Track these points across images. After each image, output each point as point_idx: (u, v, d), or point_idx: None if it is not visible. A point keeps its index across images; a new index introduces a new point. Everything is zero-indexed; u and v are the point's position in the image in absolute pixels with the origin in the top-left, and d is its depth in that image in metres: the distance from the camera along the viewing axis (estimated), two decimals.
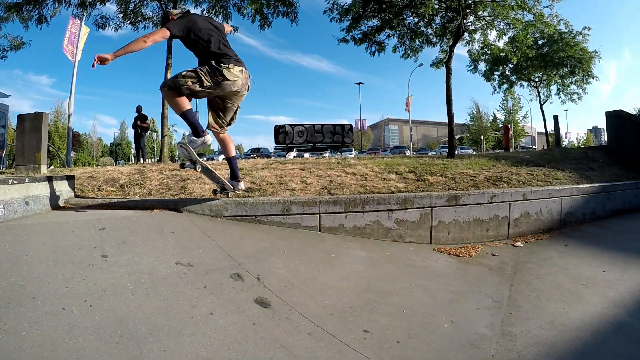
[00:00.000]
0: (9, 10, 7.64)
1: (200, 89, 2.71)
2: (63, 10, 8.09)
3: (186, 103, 2.74)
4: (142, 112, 10.22)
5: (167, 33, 2.65)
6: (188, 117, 2.77)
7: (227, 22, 8.95)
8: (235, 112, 3.08)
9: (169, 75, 7.90)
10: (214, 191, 3.28)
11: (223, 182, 3.16)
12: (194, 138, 2.80)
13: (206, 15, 8.96)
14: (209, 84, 2.71)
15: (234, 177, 3.21)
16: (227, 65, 2.75)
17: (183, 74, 2.70)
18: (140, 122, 10.11)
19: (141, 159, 10.40)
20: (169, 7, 8.48)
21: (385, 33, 8.80)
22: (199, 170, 2.97)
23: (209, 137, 2.85)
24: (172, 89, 2.70)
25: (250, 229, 3.13)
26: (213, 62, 2.73)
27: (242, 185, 3.23)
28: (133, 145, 11.69)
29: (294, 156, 14.88)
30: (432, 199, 3.79)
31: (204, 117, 3.10)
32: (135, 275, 1.99)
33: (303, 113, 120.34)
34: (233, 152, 3.17)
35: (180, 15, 2.92)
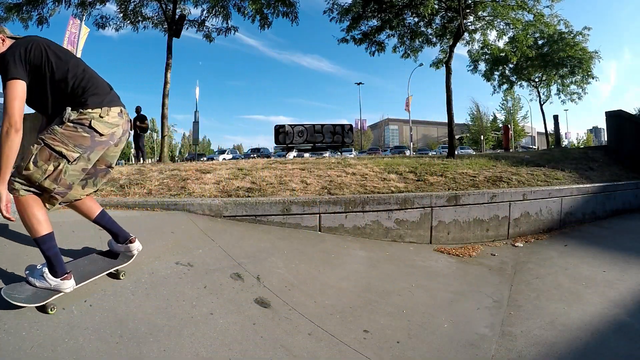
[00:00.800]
0: (9, 10, 7.64)
1: (72, 172, 1.63)
2: (62, 10, 8.10)
3: (47, 222, 1.62)
4: (141, 113, 10.25)
5: (23, 84, 1.55)
6: (46, 246, 1.60)
7: (227, 22, 8.89)
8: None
9: (169, 76, 7.87)
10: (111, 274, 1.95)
11: (113, 263, 1.96)
12: (48, 276, 1.60)
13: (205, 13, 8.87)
14: (77, 154, 1.62)
15: (121, 239, 1.99)
16: (95, 112, 1.67)
17: (31, 159, 1.55)
18: (140, 123, 10.12)
19: (141, 159, 10.41)
20: (168, 7, 8.47)
21: (385, 33, 8.81)
22: (53, 311, 1.59)
23: (72, 284, 1.63)
24: (30, 192, 1.59)
25: (250, 229, 3.13)
26: (69, 110, 1.64)
27: (136, 245, 2.01)
28: (133, 145, 11.57)
29: (294, 156, 14.91)
30: (432, 199, 3.79)
31: None
32: (135, 275, 1.98)
33: (303, 113, 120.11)
34: (98, 207, 2.00)
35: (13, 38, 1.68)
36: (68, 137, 1.61)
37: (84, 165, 1.69)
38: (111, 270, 1.92)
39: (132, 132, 10.87)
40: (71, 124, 1.63)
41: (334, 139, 16.11)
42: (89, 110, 1.67)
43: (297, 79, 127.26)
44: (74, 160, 1.63)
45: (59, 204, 1.75)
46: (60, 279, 1.61)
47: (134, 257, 2.03)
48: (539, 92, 18.76)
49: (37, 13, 7.85)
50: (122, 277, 1.94)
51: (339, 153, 17.52)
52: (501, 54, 12.07)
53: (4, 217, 1.60)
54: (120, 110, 1.80)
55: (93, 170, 1.82)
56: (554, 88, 18.14)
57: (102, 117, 1.69)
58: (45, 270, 1.61)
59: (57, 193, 1.65)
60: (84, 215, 1.97)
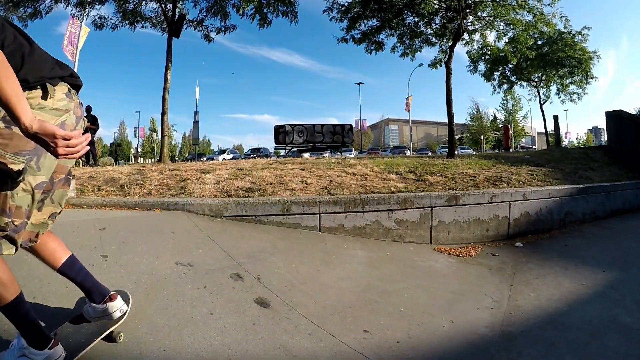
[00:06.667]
0: (6, 7, 7.62)
1: (22, 193, 1.08)
2: (60, 8, 8.08)
3: (12, 281, 1.16)
4: (92, 113, 9.56)
5: None
6: (18, 313, 1.17)
7: (225, 22, 8.84)
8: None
9: (169, 77, 7.84)
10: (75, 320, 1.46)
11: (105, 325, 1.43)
12: (32, 353, 1.17)
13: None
14: (21, 164, 1.05)
15: (97, 298, 1.43)
16: (32, 95, 1.10)
17: None
18: (90, 124, 9.18)
19: (92, 162, 9.64)
20: (168, 7, 8.46)
21: (384, 33, 8.80)
22: None
23: (61, 351, 1.22)
24: None
25: (250, 229, 3.13)
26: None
27: (118, 305, 1.46)
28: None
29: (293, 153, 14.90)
30: (432, 199, 3.79)
31: None
32: (135, 275, 1.98)
33: (288, 111, 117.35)
34: (66, 251, 1.40)
35: None
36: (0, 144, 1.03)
37: (34, 180, 1.10)
38: (105, 334, 1.41)
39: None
40: (1, 123, 1.04)
41: (334, 139, 16.12)
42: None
43: (273, 76, 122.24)
44: (19, 153, 1.05)
45: (21, 247, 1.17)
46: (51, 346, 1.19)
47: (122, 318, 1.46)
48: (538, 92, 18.75)
49: (33, 8, 7.83)
50: (119, 340, 1.45)
51: (339, 153, 17.52)
52: (501, 55, 12.05)
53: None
54: (68, 89, 1.22)
55: (49, 183, 1.21)
56: (553, 88, 18.16)
57: (44, 102, 1.12)
58: (24, 344, 1.17)
59: (13, 230, 1.08)
60: (50, 261, 1.36)
